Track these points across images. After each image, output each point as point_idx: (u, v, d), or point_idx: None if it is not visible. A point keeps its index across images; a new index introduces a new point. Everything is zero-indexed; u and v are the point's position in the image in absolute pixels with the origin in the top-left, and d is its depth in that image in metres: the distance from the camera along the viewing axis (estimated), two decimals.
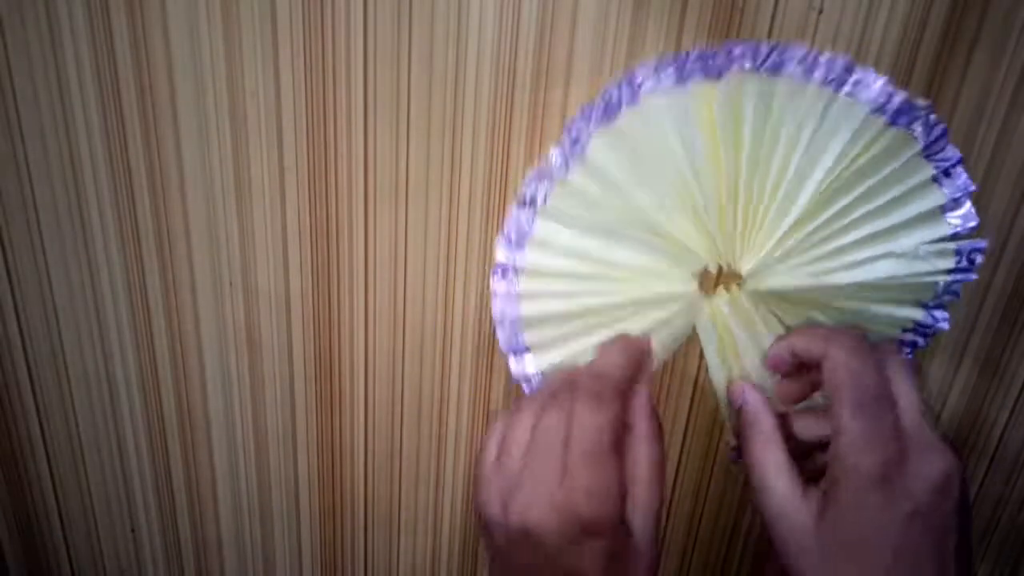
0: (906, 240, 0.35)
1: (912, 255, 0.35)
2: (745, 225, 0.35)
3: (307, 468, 0.46)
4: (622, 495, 0.33)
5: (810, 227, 0.35)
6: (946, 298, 0.37)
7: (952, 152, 0.34)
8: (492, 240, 0.39)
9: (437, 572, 0.49)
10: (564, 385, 0.34)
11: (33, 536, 0.50)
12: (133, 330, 0.43)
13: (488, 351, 0.42)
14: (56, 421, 0.46)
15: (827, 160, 0.33)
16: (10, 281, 0.42)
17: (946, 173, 0.34)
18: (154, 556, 0.50)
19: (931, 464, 0.31)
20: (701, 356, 0.41)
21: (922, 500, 0.31)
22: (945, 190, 0.35)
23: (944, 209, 0.35)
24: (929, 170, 0.34)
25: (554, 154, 0.36)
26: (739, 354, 0.38)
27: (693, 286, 0.37)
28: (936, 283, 0.36)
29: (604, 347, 0.36)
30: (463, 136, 0.37)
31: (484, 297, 0.40)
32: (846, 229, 0.35)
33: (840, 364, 0.32)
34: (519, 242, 0.37)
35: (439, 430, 0.44)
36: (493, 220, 0.39)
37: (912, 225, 0.35)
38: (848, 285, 0.36)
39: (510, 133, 0.37)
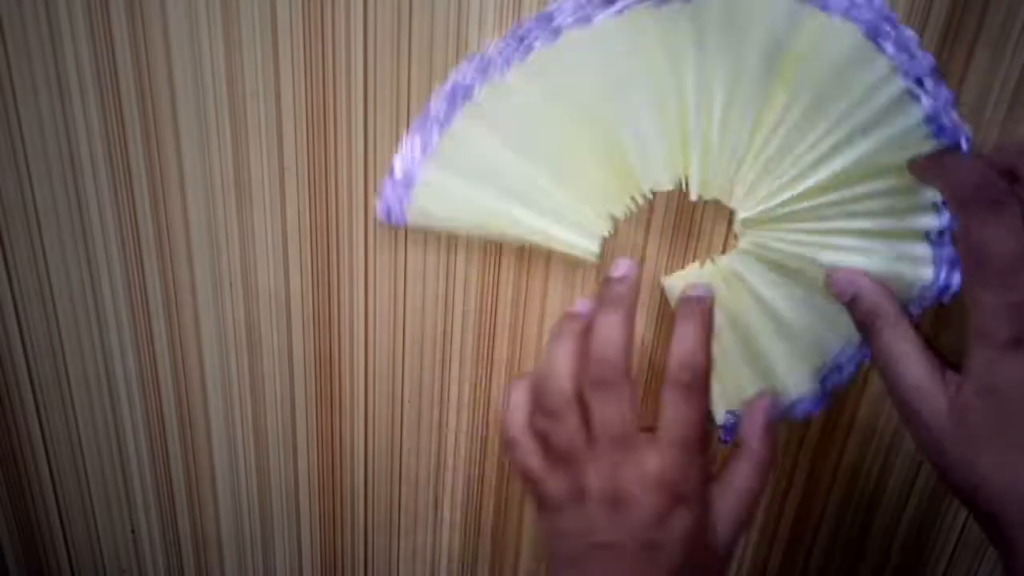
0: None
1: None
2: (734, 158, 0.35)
3: (307, 468, 0.46)
4: (708, 481, 0.35)
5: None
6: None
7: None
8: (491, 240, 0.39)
9: (437, 572, 0.49)
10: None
11: (33, 536, 0.50)
12: (133, 330, 0.43)
13: (488, 351, 0.42)
14: (56, 421, 0.46)
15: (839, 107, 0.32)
16: (10, 281, 0.42)
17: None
18: (154, 556, 0.50)
19: None
20: None
21: None
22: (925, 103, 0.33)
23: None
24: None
25: (496, 47, 0.34)
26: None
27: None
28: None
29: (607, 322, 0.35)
30: None
31: (485, 297, 0.40)
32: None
33: (970, 234, 0.29)
34: (447, 119, 0.36)
35: (439, 430, 0.44)
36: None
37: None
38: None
39: None
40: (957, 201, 0.30)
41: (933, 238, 0.35)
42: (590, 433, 0.34)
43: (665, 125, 0.35)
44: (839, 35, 0.32)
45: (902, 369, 0.31)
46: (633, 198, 0.36)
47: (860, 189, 0.34)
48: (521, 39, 0.34)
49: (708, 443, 0.35)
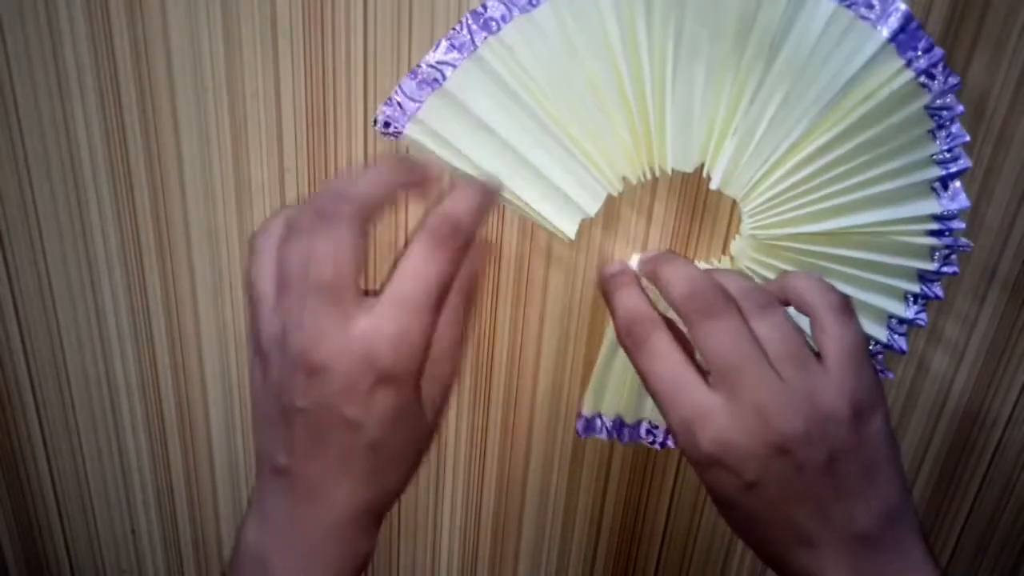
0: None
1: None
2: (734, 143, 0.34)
3: None
4: (425, 353, 0.29)
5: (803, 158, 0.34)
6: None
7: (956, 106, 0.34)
8: (491, 239, 0.39)
9: (437, 572, 0.49)
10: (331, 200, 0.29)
11: (33, 536, 0.50)
12: (133, 330, 0.43)
13: (488, 352, 0.42)
14: (56, 421, 0.46)
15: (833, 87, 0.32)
16: (10, 281, 0.42)
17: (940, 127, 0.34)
18: (154, 556, 0.50)
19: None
20: None
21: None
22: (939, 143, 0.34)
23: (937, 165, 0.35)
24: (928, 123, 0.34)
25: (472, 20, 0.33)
26: None
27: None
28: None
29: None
30: None
31: (484, 297, 0.40)
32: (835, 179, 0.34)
33: (696, 340, 0.31)
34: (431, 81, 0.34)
35: (438, 431, 0.44)
36: (492, 219, 0.39)
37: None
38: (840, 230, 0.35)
39: None
40: (678, 309, 0.31)
41: (940, 159, 0.35)
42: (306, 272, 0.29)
43: (709, 109, 0.34)
44: (895, 75, 0.32)
45: (679, 375, 0.31)
46: (651, 168, 0.35)
47: (851, 143, 0.34)
48: None
49: (437, 311, 0.29)
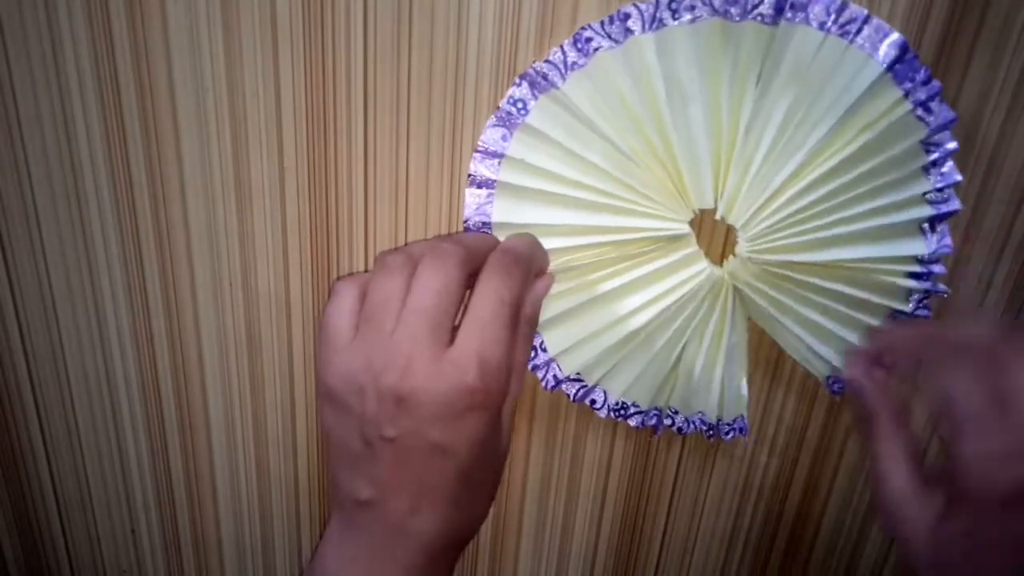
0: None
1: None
2: (738, 174, 0.34)
3: (307, 468, 0.46)
4: (507, 373, 0.30)
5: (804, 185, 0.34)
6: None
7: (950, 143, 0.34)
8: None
9: None
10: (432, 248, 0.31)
11: (33, 536, 0.50)
12: (133, 330, 0.43)
13: None
14: (56, 421, 0.46)
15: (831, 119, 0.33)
16: (10, 281, 0.42)
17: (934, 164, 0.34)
18: (154, 556, 0.50)
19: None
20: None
21: None
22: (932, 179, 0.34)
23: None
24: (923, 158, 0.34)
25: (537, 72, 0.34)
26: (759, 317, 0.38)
27: (685, 229, 0.36)
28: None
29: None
30: (463, 136, 0.37)
31: None
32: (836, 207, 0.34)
33: (939, 382, 0.30)
34: (495, 153, 0.36)
35: None
36: None
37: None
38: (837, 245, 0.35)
39: None
40: (926, 364, 0.31)
41: (932, 199, 0.35)
42: (404, 301, 0.29)
43: (714, 143, 0.34)
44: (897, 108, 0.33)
45: (890, 475, 0.32)
46: (685, 216, 0.36)
47: (848, 176, 0.34)
48: (587, 40, 0.34)
49: (514, 332, 0.30)
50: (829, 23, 0.31)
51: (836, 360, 0.38)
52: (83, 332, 0.43)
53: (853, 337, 0.38)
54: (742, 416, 0.40)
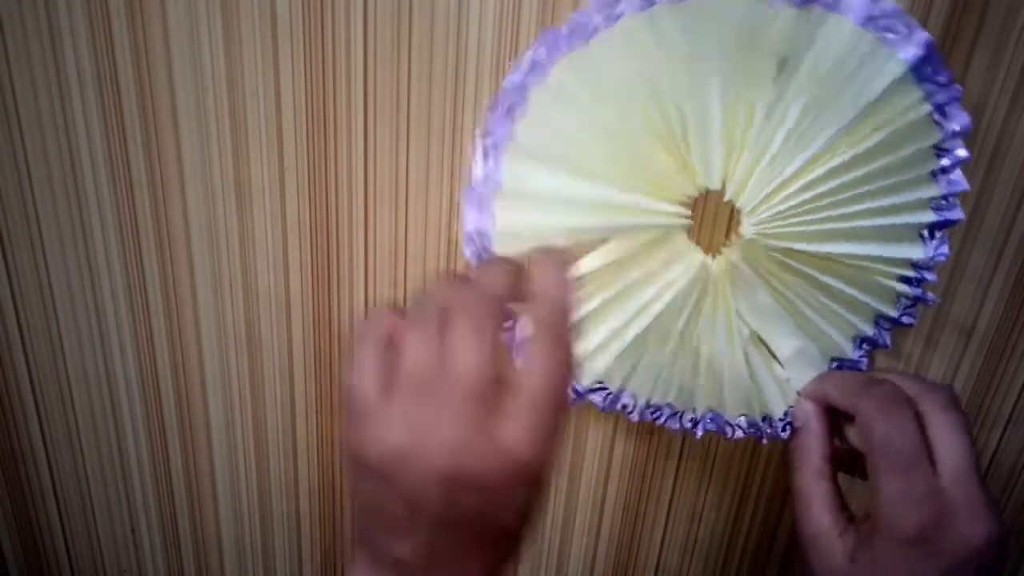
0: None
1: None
2: (743, 157, 0.34)
3: (307, 468, 0.46)
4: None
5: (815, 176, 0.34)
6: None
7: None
8: None
9: None
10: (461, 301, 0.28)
11: (33, 536, 0.50)
12: (133, 330, 0.43)
13: None
14: (56, 421, 0.46)
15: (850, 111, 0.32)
16: (10, 281, 0.42)
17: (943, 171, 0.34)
18: (154, 556, 0.50)
19: (971, 529, 0.30)
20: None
21: (955, 564, 0.30)
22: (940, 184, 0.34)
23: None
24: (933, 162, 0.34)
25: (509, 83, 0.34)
26: (742, 314, 0.38)
27: (681, 219, 0.36)
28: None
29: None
30: (463, 136, 0.37)
31: None
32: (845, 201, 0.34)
33: (872, 424, 0.32)
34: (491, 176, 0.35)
35: None
36: None
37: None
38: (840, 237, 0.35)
39: None
40: (859, 408, 0.33)
41: (937, 205, 0.35)
42: (444, 367, 0.27)
43: (729, 122, 0.34)
44: (908, 92, 0.32)
45: (812, 513, 0.34)
46: (688, 195, 0.35)
47: (859, 171, 0.34)
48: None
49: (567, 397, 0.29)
50: (862, 15, 0.31)
51: (817, 364, 0.38)
52: (83, 332, 0.43)
53: (841, 339, 0.38)
54: (792, 407, 0.39)
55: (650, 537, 0.47)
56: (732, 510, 0.46)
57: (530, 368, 0.28)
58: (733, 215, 0.38)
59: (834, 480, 0.35)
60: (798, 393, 0.38)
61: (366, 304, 0.41)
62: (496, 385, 0.27)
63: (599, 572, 0.48)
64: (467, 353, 0.27)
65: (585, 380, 0.39)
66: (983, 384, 0.42)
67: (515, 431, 0.27)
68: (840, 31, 0.31)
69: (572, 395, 0.39)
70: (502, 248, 0.36)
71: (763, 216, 0.35)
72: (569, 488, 0.45)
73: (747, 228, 0.35)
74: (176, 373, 0.44)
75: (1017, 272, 0.39)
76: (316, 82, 0.36)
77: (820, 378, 0.37)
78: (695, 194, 0.35)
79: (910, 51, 0.31)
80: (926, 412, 0.32)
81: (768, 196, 0.34)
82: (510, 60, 0.35)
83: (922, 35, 0.31)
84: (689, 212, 0.36)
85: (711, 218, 0.38)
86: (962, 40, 0.34)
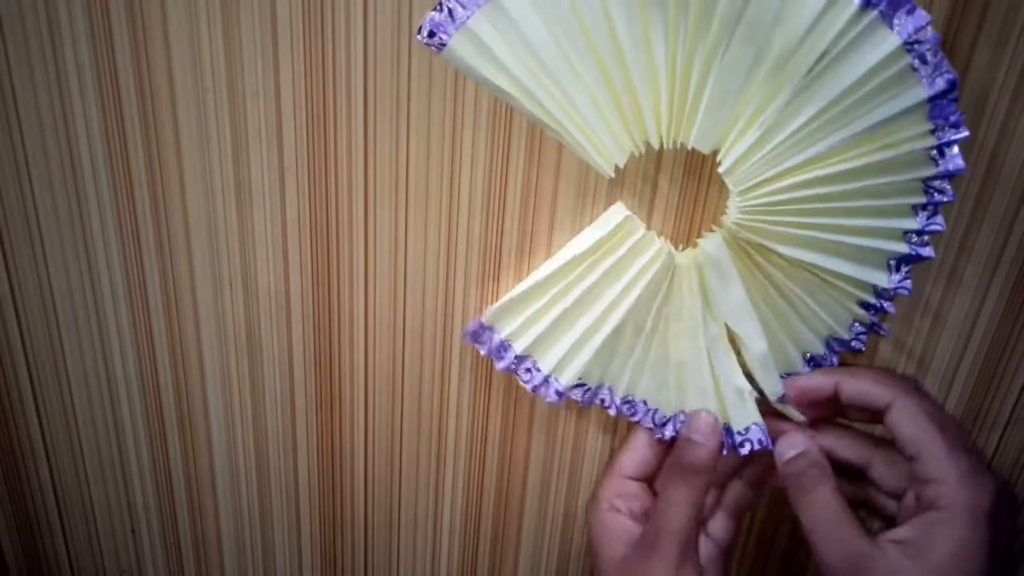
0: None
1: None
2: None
3: (307, 468, 0.46)
4: None
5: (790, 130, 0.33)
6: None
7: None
8: (492, 239, 0.39)
9: (437, 572, 0.49)
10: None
11: (33, 536, 0.50)
12: (133, 330, 0.43)
13: None
14: (56, 421, 0.46)
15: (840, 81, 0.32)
16: (10, 281, 0.42)
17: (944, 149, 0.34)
18: (154, 556, 0.50)
19: (985, 488, 0.33)
20: None
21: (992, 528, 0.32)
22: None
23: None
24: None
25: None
26: (715, 309, 0.37)
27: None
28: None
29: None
30: (463, 136, 0.37)
31: (484, 297, 0.40)
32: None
33: (918, 410, 0.34)
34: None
35: (439, 431, 0.44)
36: (493, 220, 0.39)
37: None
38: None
39: (510, 133, 0.37)
40: (886, 384, 0.36)
41: (911, 239, 0.36)
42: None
43: (744, 97, 0.33)
44: (860, 21, 0.31)
45: (835, 533, 0.34)
46: (673, 140, 0.35)
47: (849, 185, 0.34)
48: None
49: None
50: (908, 35, 0.31)
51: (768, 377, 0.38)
52: (83, 332, 0.43)
53: (793, 353, 0.39)
54: (757, 425, 0.38)
55: None
56: None
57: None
58: (707, 206, 0.37)
59: (849, 510, 0.35)
60: (770, 401, 0.38)
61: (366, 304, 0.41)
62: None
63: None
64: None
65: (564, 380, 0.39)
66: (983, 384, 0.42)
67: None
68: (884, 44, 0.31)
69: (555, 396, 0.39)
70: (454, 56, 0.34)
71: (751, 203, 0.34)
72: (569, 488, 0.45)
73: (731, 212, 0.35)
74: (176, 373, 0.44)
75: (1017, 272, 0.39)
76: (316, 82, 0.36)
77: (821, 372, 0.38)
78: (664, 142, 0.35)
79: (936, 84, 0.32)
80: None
81: (762, 183, 0.34)
82: None
83: (950, 73, 0.31)
84: (621, 162, 0.35)
85: (688, 207, 0.38)
86: (962, 40, 0.34)
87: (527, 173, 0.37)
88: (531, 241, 0.39)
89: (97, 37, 0.36)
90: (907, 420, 0.34)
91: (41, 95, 0.37)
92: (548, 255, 0.39)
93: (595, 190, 0.37)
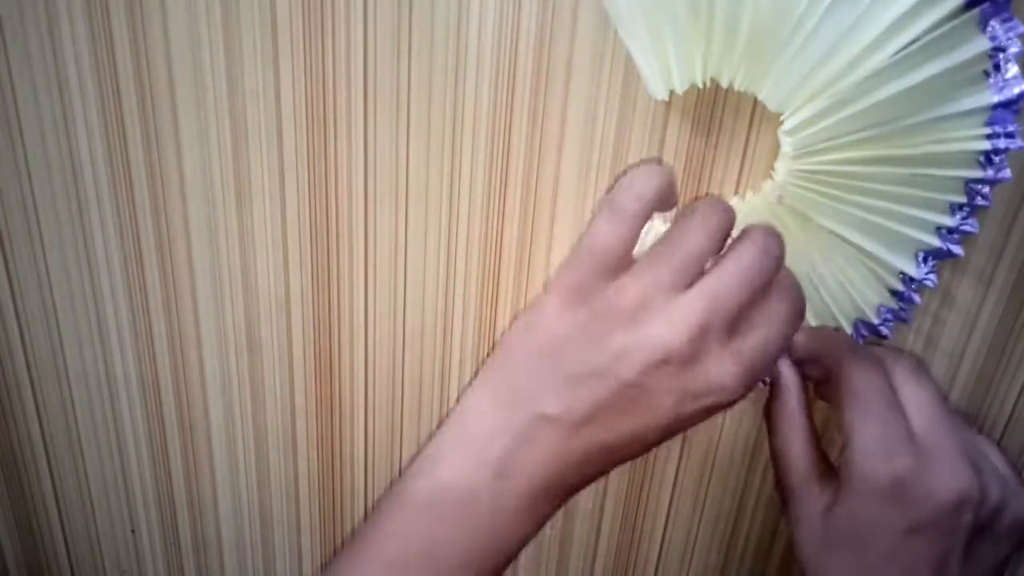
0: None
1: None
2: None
3: (307, 468, 0.46)
4: None
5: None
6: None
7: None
8: (492, 239, 0.39)
9: None
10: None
11: (33, 536, 0.50)
12: (133, 330, 0.43)
13: (489, 351, 0.42)
14: (56, 421, 0.46)
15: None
16: (10, 281, 0.42)
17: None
18: (154, 556, 0.50)
19: (943, 481, 0.31)
20: None
21: (926, 516, 0.31)
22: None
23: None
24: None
25: None
26: None
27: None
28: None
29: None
30: (463, 136, 0.37)
31: (484, 297, 0.40)
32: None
33: (849, 373, 0.33)
34: None
35: None
36: (493, 220, 0.39)
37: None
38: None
39: (510, 133, 0.37)
40: (837, 359, 0.34)
41: (943, 234, 0.36)
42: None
43: (828, 60, 0.32)
44: None
45: (791, 462, 0.34)
46: (705, 80, 0.34)
47: (897, 170, 0.34)
48: None
49: None
50: (996, 41, 0.32)
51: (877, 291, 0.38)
52: (83, 332, 0.43)
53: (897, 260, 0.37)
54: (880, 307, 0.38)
55: (650, 536, 0.47)
56: (732, 510, 0.46)
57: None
58: (748, 148, 0.37)
59: (813, 434, 0.35)
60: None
61: (366, 304, 0.41)
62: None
63: (599, 571, 0.48)
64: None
65: None
66: (983, 384, 0.42)
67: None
68: (974, 45, 0.32)
69: None
70: None
71: (804, 168, 0.34)
72: None
73: (779, 174, 0.35)
74: (176, 373, 0.44)
75: (1018, 271, 0.39)
76: (316, 82, 0.36)
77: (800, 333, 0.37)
78: (705, 80, 0.34)
79: (1004, 93, 0.32)
80: (892, 372, 0.34)
81: (819, 151, 0.34)
82: (510, 60, 0.35)
83: (1020, 83, 0.32)
84: (680, 89, 0.34)
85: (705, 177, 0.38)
86: None
87: (527, 173, 0.37)
88: (531, 241, 0.39)
89: (97, 37, 0.36)
90: (835, 378, 0.34)
91: (41, 95, 0.37)
92: (548, 255, 0.39)
93: (596, 190, 0.37)
